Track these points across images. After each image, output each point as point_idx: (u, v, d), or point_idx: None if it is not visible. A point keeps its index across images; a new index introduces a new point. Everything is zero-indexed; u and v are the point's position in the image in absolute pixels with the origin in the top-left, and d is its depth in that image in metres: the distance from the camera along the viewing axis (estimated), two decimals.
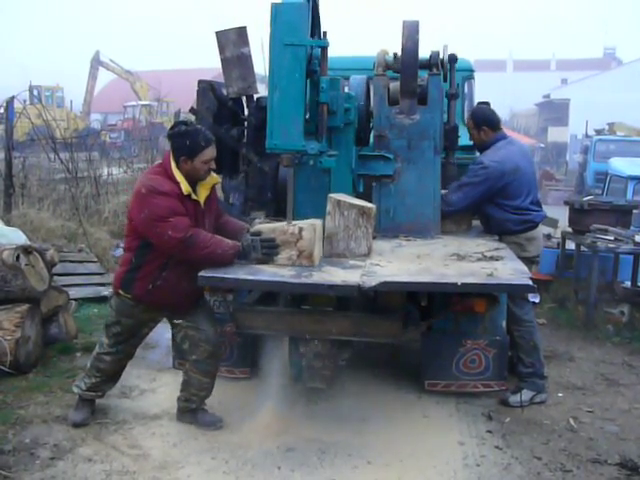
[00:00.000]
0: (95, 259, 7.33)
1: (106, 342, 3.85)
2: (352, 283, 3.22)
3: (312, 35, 3.70)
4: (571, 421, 4.16)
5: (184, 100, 13.48)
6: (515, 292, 4.01)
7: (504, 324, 4.29)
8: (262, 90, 4.72)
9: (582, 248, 6.68)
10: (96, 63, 34.55)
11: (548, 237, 7.65)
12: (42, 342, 4.91)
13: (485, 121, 4.56)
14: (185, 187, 3.50)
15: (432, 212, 4.43)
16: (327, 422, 3.91)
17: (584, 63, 50.23)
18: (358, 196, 4.22)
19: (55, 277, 5.59)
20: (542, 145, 32.34)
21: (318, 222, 3.65)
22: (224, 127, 4.53)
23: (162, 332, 4.80)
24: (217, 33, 4.45)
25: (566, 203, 6.90)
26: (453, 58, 4.75)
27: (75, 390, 3.98)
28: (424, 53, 4.41)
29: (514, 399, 4.31)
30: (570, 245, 7.04)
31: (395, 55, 4.51)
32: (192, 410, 3.94)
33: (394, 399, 4.34)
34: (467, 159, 5.05)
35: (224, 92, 4.57)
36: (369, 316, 3.70)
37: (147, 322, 3.84)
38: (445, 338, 4.27)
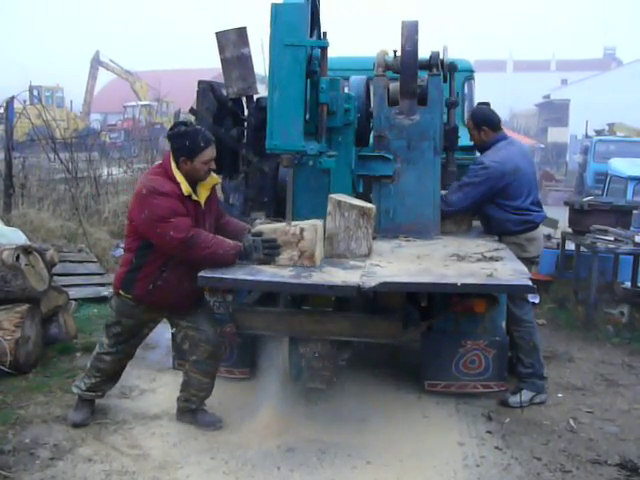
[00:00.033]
0: (95, 259, 7.33)
1: (106, 342, 3.85)
2: (352, 283, 3.22)
3: (312, 35, 3.70)
4: (571, 422, 4.17)
5: (184, 100, 13.45)
6: (515, 293, 4.02)
7: (504, 325, 4.29)
8: (262, 90, 4.72)
9: (582, 249, 6.69)
10: (96, 63, 34.55)
11: (548, 237, 7.65)
12: (42, 342, 4.91)
13: (485, 121, 4.56)
14: (185, 188, 3.50)
15: (432, 212, 4.43)
16: (327, 422, 3.91)
17: (584, 63, 50.31)
18: (358, 196, 4.23)
19: (55, 277, 5.59)
20: (542, 145, 32.34)
21: (319, 223, 3.65)
22: (224, 127, 4.53)
23: (162, 332, 4.80)
24: (217, 33, 4.45)
25: (566, 204, 6.91)
26: (453, 67, 4.75)
27: (75, 390, 3.98)
28: (424, 53, 4.41)
29: (514, 400, 4.31)
30: (570, 246, 7.05)
31: (395, 53, 4.50)
32: (192, 410, 3.94)
33: (394, 399, 4.34)
34: (467, 159, 5.05)
35: (224, 92, 4.56)
36: (369, 316, 3.70)
37: (147, 322, 3.84)
38: (445, 338, 4.27)
